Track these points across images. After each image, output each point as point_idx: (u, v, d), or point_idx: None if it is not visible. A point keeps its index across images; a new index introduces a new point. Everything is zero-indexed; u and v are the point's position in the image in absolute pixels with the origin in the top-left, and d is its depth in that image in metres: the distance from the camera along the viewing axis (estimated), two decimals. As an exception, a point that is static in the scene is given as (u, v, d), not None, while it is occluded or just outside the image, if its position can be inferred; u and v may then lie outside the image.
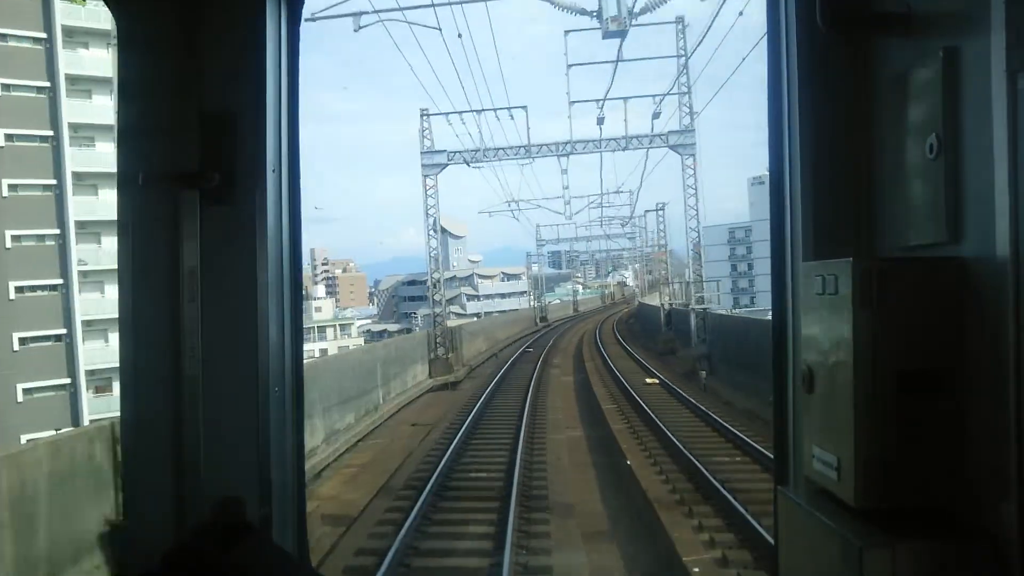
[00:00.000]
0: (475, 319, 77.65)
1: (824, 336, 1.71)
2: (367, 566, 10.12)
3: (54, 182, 46.18)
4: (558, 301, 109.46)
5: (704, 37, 30.60)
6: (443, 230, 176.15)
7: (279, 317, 1.96)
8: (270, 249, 1.92)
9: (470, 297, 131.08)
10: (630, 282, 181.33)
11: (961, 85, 1.53)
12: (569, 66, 29.46)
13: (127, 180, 1.87)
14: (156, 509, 1.88)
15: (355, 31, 23.41)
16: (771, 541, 1.63)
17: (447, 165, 33.92)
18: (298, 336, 2.01)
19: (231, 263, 1.89)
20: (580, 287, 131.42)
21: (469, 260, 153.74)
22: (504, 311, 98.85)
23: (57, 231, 46.29)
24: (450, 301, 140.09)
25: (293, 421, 2.01)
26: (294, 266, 2.01)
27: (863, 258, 1.61)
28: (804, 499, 1.78)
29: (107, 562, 9.21)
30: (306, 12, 2.14)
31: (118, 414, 1.98)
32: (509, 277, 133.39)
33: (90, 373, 46.45)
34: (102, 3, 1.99)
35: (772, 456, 2.10)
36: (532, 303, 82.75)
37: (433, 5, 22.48)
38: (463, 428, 19.04)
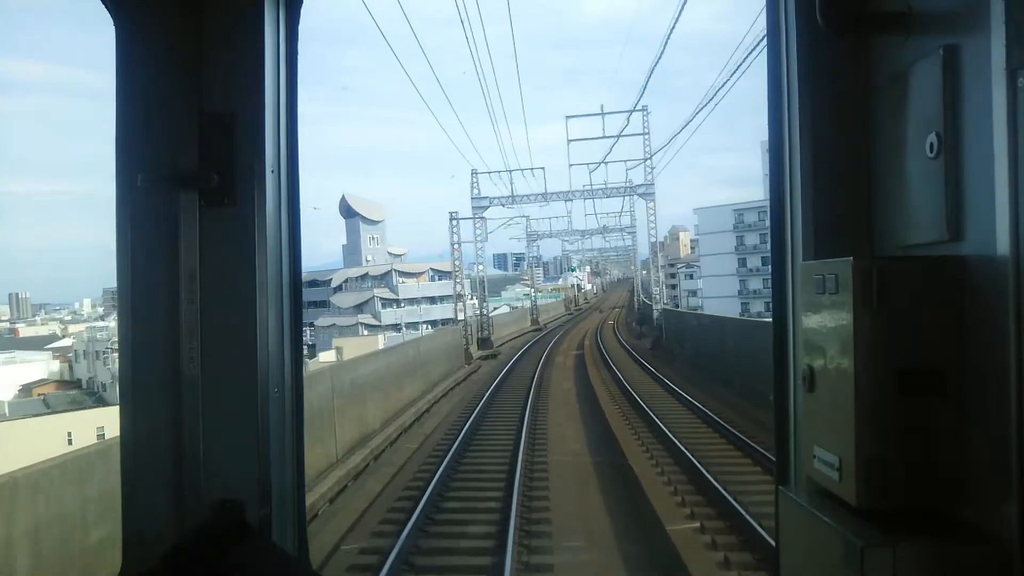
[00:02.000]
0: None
1: (825, 336, 1.79)
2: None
3: None
4: (507, 308, 69.83)
5: None
6: (352, 212, 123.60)
7: (278, 318, 2.05)
8: (269, 250, 2.01)
9: (386, 302, 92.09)
10: (586, 285, 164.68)
11: (961, 84, 1.61)
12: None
13: (126, 181, 1.96)
14: (156, 510, 1.96)
15: None
16: None
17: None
18: (298, 337, 2.12)
19: (230, 264, 1.98)
20: (529, 291, 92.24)
21: (388, 252, 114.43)
22: (435, 322, 58.61)
23: None
24: (359, 307, 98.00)
25: (293, 422, 2.11)
26: (293, 267, 2.11)
27: (863, 258, 1.69)
28: (805, 499, 1.85)
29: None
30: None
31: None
32: (441, 275, 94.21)
33: None
34: (101, 4, 1.99)
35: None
36: (464, 314, 42.22)
37: None
38: None
